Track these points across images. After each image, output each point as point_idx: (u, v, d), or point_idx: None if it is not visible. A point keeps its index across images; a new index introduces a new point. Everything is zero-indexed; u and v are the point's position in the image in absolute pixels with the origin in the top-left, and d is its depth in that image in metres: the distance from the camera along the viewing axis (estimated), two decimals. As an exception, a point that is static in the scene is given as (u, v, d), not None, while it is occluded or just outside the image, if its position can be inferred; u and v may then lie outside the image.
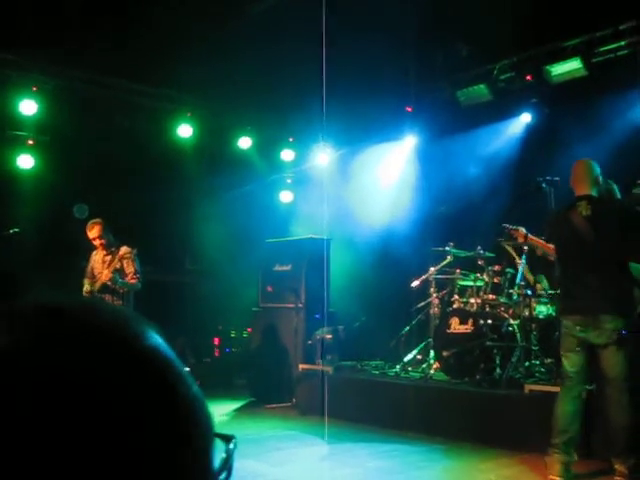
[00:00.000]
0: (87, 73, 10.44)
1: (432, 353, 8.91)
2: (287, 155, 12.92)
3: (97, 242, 8.11)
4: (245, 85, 10.80)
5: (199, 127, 11.82)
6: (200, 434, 0.66)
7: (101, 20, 9.11)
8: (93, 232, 8.05)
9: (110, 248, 8.12)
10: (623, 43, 9.09)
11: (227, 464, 0.70)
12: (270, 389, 9.99)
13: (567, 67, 9.52)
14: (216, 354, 12.55)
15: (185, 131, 11.59)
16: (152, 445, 0.59)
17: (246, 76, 10.38)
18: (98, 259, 8.20)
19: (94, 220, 8.14)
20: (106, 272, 7.89)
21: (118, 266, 7.93)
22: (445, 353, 8.41)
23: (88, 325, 0.63)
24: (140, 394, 0.61)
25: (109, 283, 7.88)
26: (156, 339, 0.67)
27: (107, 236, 8.11)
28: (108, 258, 8.06)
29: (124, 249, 8.05)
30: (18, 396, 0.56)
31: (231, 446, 0.72)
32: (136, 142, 11.13)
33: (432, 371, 8.67)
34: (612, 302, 5.48)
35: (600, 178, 5.88)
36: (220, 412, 9.34)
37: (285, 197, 13.30)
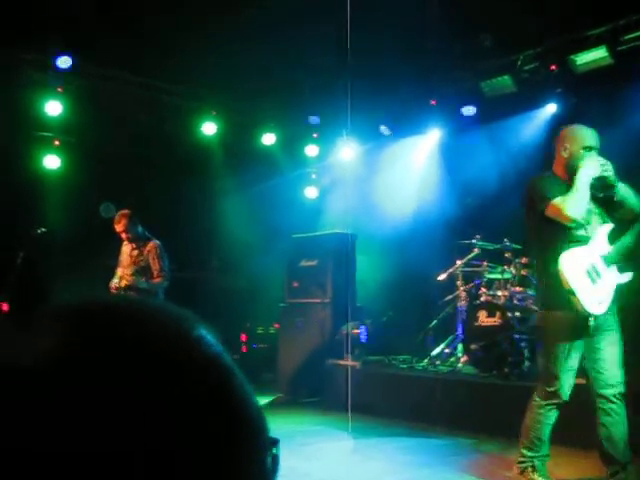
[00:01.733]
0: (111, 72, 10.49)
1: (460, 346, 8.87)
2: (311, 150, 12.92)
3: (124, 236, 7.99)
4: (268, 81, 10.80)
5: (223, 125, 11.85)
6: (255, 440, 0.65)
7: (123, 19, 9.15)
8: (120, 226, 7.90)
9: (138, 242, 8.00)
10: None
11: (275, 467, 0.69)
12: (298, 384, 10.00)
13: (592, 56, 9.41)
14: (244, 350, 12.59)
15: (209, 129, 11.63)
16: (213, 458, 0.59)
17: (268, 72, 10.38)
18: (126, 250, 8.07)
19: (121, 212, 7.98)
20: (128, 273, 7.81)
21: (143, 263, 7.84)
22: (473, 346, 8.38)
23: (142, 331, 0.61)
24: (203, 409, 0.60)
25: (134, 286, 7.77)
26: (215, 344, 0.66)
27: (134, 230, 7.95)
28: (135, 252, 7.96)
29: (151, 245, 7.95)
30: (54, 420, 0.53)
31: (276, 450, 0.70)
32: (161, 140, 11.21)
33: (460, 364, 8.64)
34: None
35: None
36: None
37: (310, 192, 13.30)
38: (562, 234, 4.79)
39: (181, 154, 11.46)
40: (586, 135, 5.07)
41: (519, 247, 8.82)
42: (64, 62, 9.81)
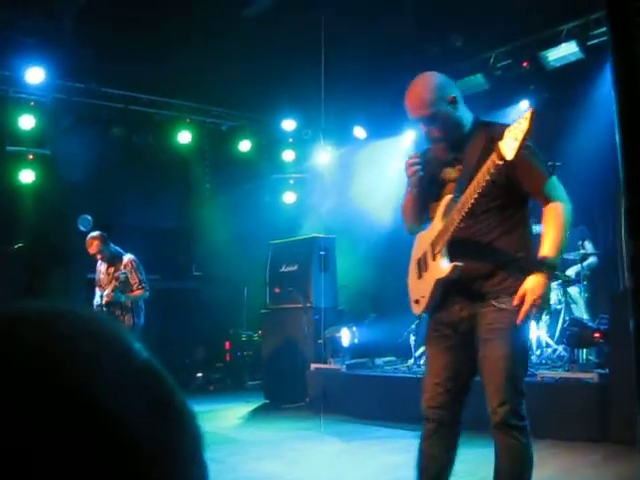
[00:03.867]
0: (84, 84, 10.45)
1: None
2: (288, 155, 12.91)
3: (98, 257, 8.07)
4: (242, 88, 10.79)
5: (198, 132, 11.84)
6: (190, 445, 0.63)
7: (95, 31, 9.11)
8: (92, 248, 7.98)
9: (113, 260, 8.04)
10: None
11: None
12: (283, 390, 9.99)
13: (563, 51, 9.49)
14: (228, 358, 12.56)
15: (185, 137, 11.61)
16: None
17: (243, 78, 10.36)
18: (102, 269, 8.14)
19: (92, 235, 8.05)
20: (108, 291, 7.80)
21: (123, 278, 7.81)
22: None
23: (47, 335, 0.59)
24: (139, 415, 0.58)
25: (115, 301, 7.82)
26: (144, 352, 0.65)
27: (107, 249, 8.02)
28: (111, 270, 7.98)
29: (126, 260, 7.98)
30: None
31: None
32: (136, 151, 11.16)
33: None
34: None
35: None
36: (234, 415, 9.34)
37: (288, 198, 13.29)
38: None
39: (158, 164, 11.42)
40: None
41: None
42: (36, 76, 9.76)
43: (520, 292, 3.31)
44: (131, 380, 0.59)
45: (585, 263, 8.49)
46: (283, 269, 10.56)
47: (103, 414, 0.54)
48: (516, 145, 3.10)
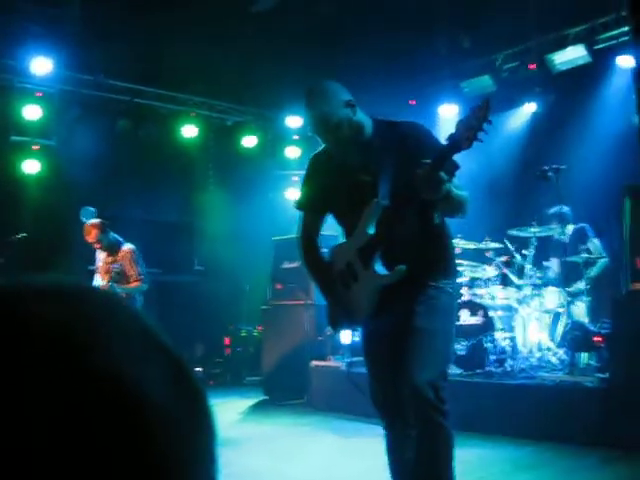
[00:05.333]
0: (90, 76, 10.45)
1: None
2: (292, 152, 12.90)
3: (96, 246, 7.85)
4: (248, 83, 10.79)
5: (203, 127, 11.84)
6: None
7: (101, 23, 9.12)
8: (90, 237, 7.73)
9: (111, 249, 7.84)
10: (626, 29, 9.05)
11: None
12: (282, 386, 9.99)
13: (570, 55, 9.49)
14: (227, 353, 12.57)
15: (190, 131, 11.61)
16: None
17: (249, 73, 10.37)
18: (101, 257, 7.95)
19: (91, 222, 7.78)
20: (103, 283, 7.64)
21: (118, 270, 7.68)
22: (456, 346, 8.39)
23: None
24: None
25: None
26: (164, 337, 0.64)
27: (106, 238, 7.78)
28: (109, 259, 7.81)
29: (124, 250, 7.79)
30: None
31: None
32: (141, 144, 11.17)
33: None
34: None
35: None
36: (233, 411, 9.34)
37: (292, 195, 13.27)
38: None
39: (162, 157, 11.42)
40: None
41: (500, 246, 8.84)
42: (43, 66, 9.75)
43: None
44: (154, 361, 0.59)
45: (596, 265, 8.44)
46: (285, 265, 10.55)
47: (130, 399, 0.54)
48: (471, 134, 3.08)
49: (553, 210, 8.52)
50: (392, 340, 3.54)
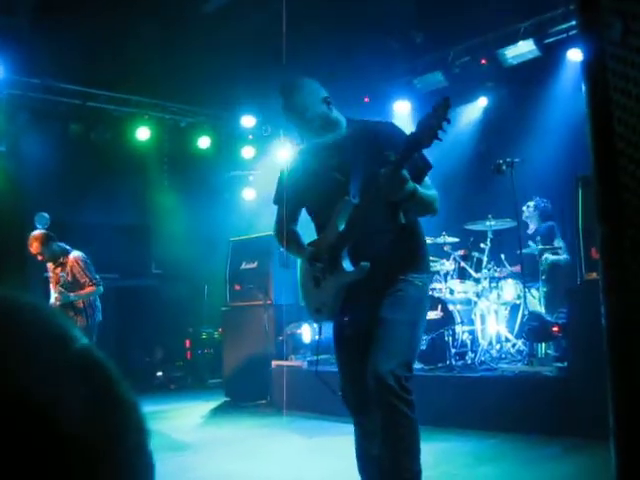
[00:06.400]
0: (40, 81, 10.29)
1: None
2: (247, 152, 12.86)
3: (39, 257, 7.66)
4: (201, 84, 10.72)
5: (157, 129, 11.74)
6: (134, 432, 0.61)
7: (53, 26, 8.98)
8: (33, 248, 7.56)
9: (56, 260, 7.66)
10: (574, 23, 9.16)
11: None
12: (244, 388, 9.95)
13: (521, 49, 9.59)
14: (188, 356, 12.49)
15: (143, 134, 11.51)
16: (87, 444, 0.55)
17: (201, 74, 10.30)
18: (51, 268, 7.77)
19: (33, 235, 7.59)
20: (55, 294, 7.48)
21: (70, 279, 7.55)
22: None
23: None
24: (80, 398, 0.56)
25: (64, 303, 7.45)
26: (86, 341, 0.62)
27: (49, 250, 7.60)
28: (58, 270, 7.62)
29: (72, 258, 7.62)
30: None
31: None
32: (94, 148, 11.04)
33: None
34: None
35: None
36: (195, 414, 9.29)
37: (248, 194, 13.24)
38: None
39: (116, 161, 11.31)
40: None
41: (457, 240, 8.91)
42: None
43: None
44: (67, 369, 0.57)
45: (555, 258, 8.58)
46: (243, 266, 10.52)
47: (37, 408, 0.52)
48: (432, 133, 3.11)
49: (535, 202, 8.77)
50: (361, 336, 3.58)
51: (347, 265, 3.57)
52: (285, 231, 3.94)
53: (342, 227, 3.58)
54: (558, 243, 8.64)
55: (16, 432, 0.51)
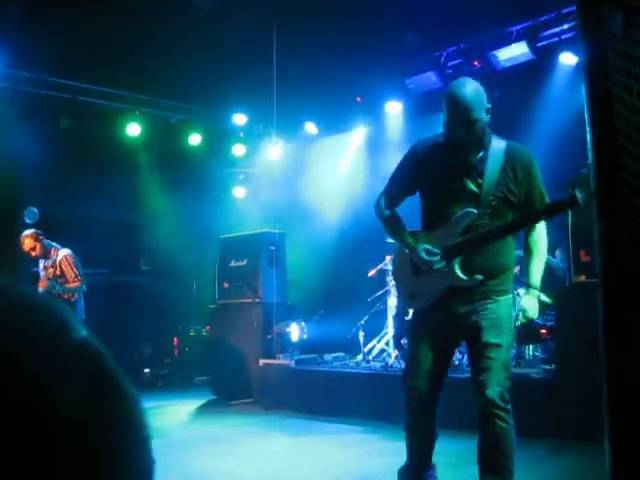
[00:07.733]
0: (31, 74, 10.24)
1: (391, 342, 8.93)
2: (238, 150, 12.85)
3: (32, 254, 8.12)
4: (193, 81, 10.69)
5: (148, 125, 11.70)
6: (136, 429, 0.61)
7: (43, 20, 8.94)
8: (25, 246, 8.04)
9: (48, 256, 8.12)
10: (566, 27, 9.19)
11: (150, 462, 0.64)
12: (231, 386, 9.93)
13: (514, 52, 9.60)
14: (176, 354, 12.46)
15: (134, 130, 11.46)
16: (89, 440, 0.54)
17: (194, 71, 10.27)
18: (41, 264, 8.24)
19: (25, 233, 8.09)
20: (44, 282, 7.95)
21: (58, 272, 7.97)
22: (404, 341, 8.44)
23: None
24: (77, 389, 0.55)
25: (50, 291, 7.87)
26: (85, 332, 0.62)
27: (41, 247, 8.07)
28: (49, 264, 8.09)
29: (61, 256, 8.06)
30: None
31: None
32: (84, 143, 10.99)
33: (392, 360, 8.69)
34: None
35: None
36: (182, 412, 9.27)
37: (238, 192, 13.23)
38: None
39: (106, 156, 11.26)
40: None
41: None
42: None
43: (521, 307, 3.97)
44: (67, 356, 0.57)
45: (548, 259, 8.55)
46: (232, 264, 10.50)
47: (36, 392, 0.52)
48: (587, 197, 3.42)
49: None
50: (445, 339, 3.97)
51: (457, 269, 3.83)
52: (391, 209, 4.18)
53: (459, 231, 3.81)
54: (559, 255, 8.61)
55: (14, 416, 0.50)
